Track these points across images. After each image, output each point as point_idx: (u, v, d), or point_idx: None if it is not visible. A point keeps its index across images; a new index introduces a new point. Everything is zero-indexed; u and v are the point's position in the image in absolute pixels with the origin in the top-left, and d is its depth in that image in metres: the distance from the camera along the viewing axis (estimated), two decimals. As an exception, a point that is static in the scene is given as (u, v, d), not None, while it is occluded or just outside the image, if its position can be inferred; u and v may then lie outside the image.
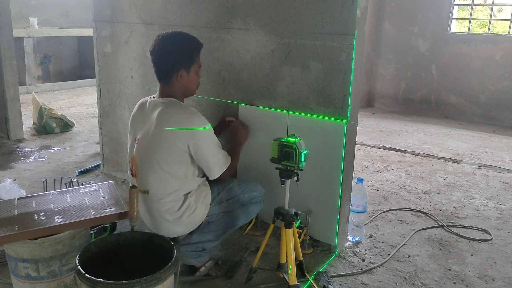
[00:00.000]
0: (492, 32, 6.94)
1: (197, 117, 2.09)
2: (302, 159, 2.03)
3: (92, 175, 3.75)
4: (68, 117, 5.11)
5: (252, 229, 2.78)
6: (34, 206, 2.10)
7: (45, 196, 2.22)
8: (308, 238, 2.62)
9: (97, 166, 3.89)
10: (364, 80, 6.72)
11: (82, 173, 3.78)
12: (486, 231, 2.96)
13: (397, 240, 2.82)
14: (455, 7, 6.41)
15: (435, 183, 3.82)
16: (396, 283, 2.36)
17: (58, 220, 1.94)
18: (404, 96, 6.86)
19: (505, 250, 2.74)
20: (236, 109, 2.78)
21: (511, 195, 3.61)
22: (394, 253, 2.64)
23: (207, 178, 2.22)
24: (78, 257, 1.67)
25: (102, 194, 2.23)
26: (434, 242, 2.81)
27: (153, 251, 1.86)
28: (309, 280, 2.30)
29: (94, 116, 5.74)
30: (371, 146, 4.86)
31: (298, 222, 2.19)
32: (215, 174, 2.16)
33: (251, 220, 2.71)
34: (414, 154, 4.64)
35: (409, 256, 2.63)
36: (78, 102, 6.84)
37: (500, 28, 8.36)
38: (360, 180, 2.73)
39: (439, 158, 4.53)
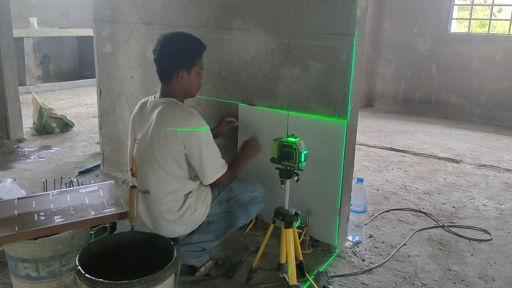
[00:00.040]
0: (492, 32, 6.94)
1: (194, 118, 2.07)
2: (302, 159, 2.03)
3: (92, 175, 3.75)
4: (68, 117, 5.11)
5: (252, 229, 2.78)
6: (34, 206, 2.10)
7: (45, 196, 2.22)
8: (308, 238, 2.62)
9: (97, 166, 3.89)
10: (364, 80, 6.72)
11: (82, 173, 3.78)
12: (486, 231, 2.96)
13: (397, 240, 2.82)
14: (455, 7, 6.41)
15: (435, 183, 3.82)
16: (396, 283, 2.36)
17: (58, 220, 1.94)
18: (404, 96, 6.86)
19: (505, 250, 2.74)
20: (236, 109, 2.78)
21: (511, 195, 3.61)
22: (394, 253, 2.64)
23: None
24: (78, 257, 1.67)
25: (102, 194, 2.23)
26: (434, 242, 2.81)
27: (153, 251, 1.86)
28: (309, 280, 2.30)
29: (94, 116, 5.74)
30: (371, 146, 4.86)
31: (298, 222, 2.19)
32: (207, 178, 2.11)
33: (251, 220, 2.71)
34: (414, 154, 4.64)
35: (409, 256, 2.63)
36: (78, 102, 6.84)
37: (500, 28, 8.36)
38: (360, 180, 2.73)
39: (439, 158, 4.53)
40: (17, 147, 4.47)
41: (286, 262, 2.18)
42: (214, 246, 2.33)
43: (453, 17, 6.39)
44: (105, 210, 2.06)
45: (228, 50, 2.75)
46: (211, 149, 2.11)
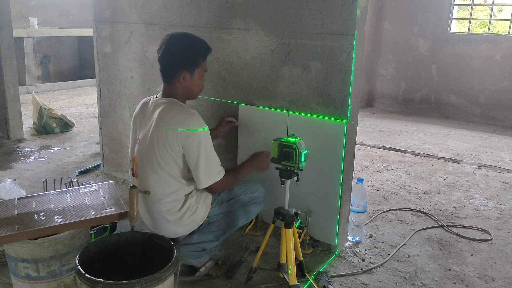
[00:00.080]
0: (492, 32, 6.94)
1: (194, 119, 2.06)
2: (302, 159, 2.03)
3: (92, 175, 3.75)
4: (68, 117, 5.11)
5: (252, 229, 2.78)
6: (34, 206, 2.10)
7: (45, 196, 2.22)
8: (308, 238, 2.62)
9: (97, 166, 3.89)
10: (364, 80, 6.72)
11: (82, 173, 3.78)
12: (486, 231, 2.96)
13: (397, 240, 2.82)
14: (455, 7, 6.41)
15: (435, 183, 3.82)
16: (396, 283, 2.36)
17: (58, 220, 1.94)
18: (404, 96, 6.86)
19: (505, 250, 2.74)
20: (236, 109, 2.78)
21: (511, 195, 3.61)
22: (394, 253, 2.64)
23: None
24: (78, 257, 1.67)
25: (102, 194, 2.23)
26: (434, 242, 2.81)
27: (153, 251, 1.86)
28: (309, 280, 2.30)
29: (94, 116, 5.74)
30: (371, 146, 4.86)
31: (298, 222, 2.19)
32: (201, 182, 2.07)
33: (251, 220, 2.71)
34: (414, 154, 4.64)
35: (409, 256, 2.63)
36: (78, 102, 6.84)
37: (500, 28, 8.36)
38: (360, 180, 2.73)
39: (439, 158, 4.53)
40: (17, 147, 4.47)
41: (286, 262, 2.18)
42: (214, 246, 2.33)
43: (453, 17, 6.39)
44: (105, 210, 2.06)
45: (228, 50, 2.75)
46: (209, 153, 2.07)
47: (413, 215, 3.19)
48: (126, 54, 3.34)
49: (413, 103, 6.78)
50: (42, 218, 1.97)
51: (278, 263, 2.24)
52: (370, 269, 2.46)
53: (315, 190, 2.55)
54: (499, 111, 6.16)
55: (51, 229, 1.89)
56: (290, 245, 2.12)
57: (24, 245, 1.87)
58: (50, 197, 2.20)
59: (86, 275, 1.57)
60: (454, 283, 2.38)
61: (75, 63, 8.72)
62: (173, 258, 1.70)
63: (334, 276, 2.37)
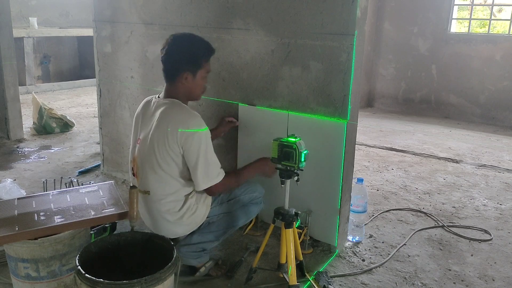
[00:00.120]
0: (492, 32, 6.94)
1: (195, 120, 2.05)
2: (302, 159, 2.03)
3: (92, 175, 3.75)
4: (68, 117, 5.11)
5: (252, 229, 2.78)
6: (34, 206, 2.10)
7: (45, 196, 2.22)
8: (308, 238, 2.61)
9: (97, 166, 3.89)
10: (364, 80, 6.72)
11: (82, 173, 3.78)
12: (486, 231, 2.96)
13: (397, 240, 2.82)
14: (455, 7, 6.41)
15: (435, 183, 3.82)
16: (396, 283, 2.36)
17: (58, 220, 1.94)
18: (404, 96, 6.86)
19: (505, 250, 2.74)
20: (236, 109, 2.78)
21: (511, 195, 3.61)
22: (394, 253, 2.64)
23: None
24: (78, 257, 1.67)
25: (102, 194, 2.23)
26: (434, 242, 2.81)
27: (153, 251, 1.86)
28: (309, 280, 2.30)
29: (94, 116, 5.74)
30: (371, 146, 4.86)
31: (298, 222, 2.19)
32: (200, 184, 2.06)
33: (251, 220, 2.71)
34: (414, 154, 4.64)
35: (409, 256, 2.63)
36: (78, 102, 6.84)
37: (500, 28, 8.36)
38: (360, 180, 2.73)
39: (439, 158, 4.53)
40: (17, 147, 4.47)
41: (286, 262, 2.18)
42: (214, 246, 2.33)
43: (453, 17, 6.39)
44: (105, 210, 2.06)
45: (228, 50, 2.75)
46: (208, 155, 2.06)
47: (413, 215, 3.19)
48: (126, 54, 3.34)
49: (413, 103, 6.78)
50: (42, 218, 1.97)
51: (278, 263, 2.24)
52: (370, 269, 2.46)
53: (315, 190, 2.55)
54: (499, 111, 6.16)
55: (51, 229, 1.89)
56: (290, 245, 2.12)
57: (24, 245, 1.87)
58: (50, 197, 2.20)
59: (86, 275, 1.57)
60: (454, 283, 2.38)
61: (75, 63, 8.72)
62: (173, 258, 1.70)
63: (334, 276, 2.37)
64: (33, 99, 5.03)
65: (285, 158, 2.06)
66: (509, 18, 6.23)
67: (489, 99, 6.20)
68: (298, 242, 2.28)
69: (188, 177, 2.11)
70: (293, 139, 2.06)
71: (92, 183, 2.94)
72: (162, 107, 2.10)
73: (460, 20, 7.59)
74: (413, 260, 2.59)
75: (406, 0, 6.57)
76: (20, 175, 3.70)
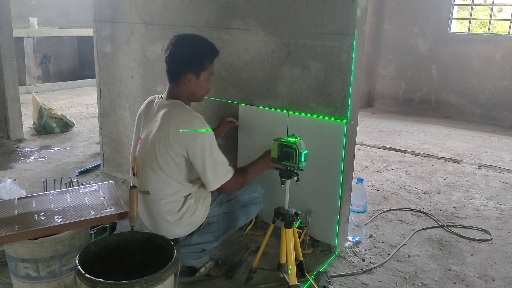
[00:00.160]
0: (492, 32, 6.94)
1: (198, 121, 2.04)
2: (302, 159, 2.03)
3: (92, 175, 3.75)
4: (68, 117, 5.11)
5: (252, 229, 2.78)
6: (34, 206, 2.10)
7: (45, 196, 2.22)
8: (308, 238, 2.61)
9: (97, 166, 3.89)
10: (364, 80, 6.72)
11: (82, 173, 3.78)
12: (486, 231, 2.96)
13: (397, 240, 2.82)
14: (455, 7, 6.41)
15: (435, 183, 3.82)
16: (396, 283, 2.36)
17: (58, 220, 1.94)
18: (404, 96, 6.86)
19: (505, 250, 2.74)
20: (236, 109, 2.78)
21: (511, 195, 3.61)
22: (394, 253, 2.64)
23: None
24: (78, 257, 1.67)
25: (102, 194, 2.23)
26: (434, 242, 2.81)
27: (153, 251, 1.86)
28: (309, 280, 2.30)
29: (94, 116, 5.74)
30: (371, 146, 4.86)
31: (298, 222, 2.19)
32: (211, 185, 2.06)
33: (251, 220, 2.71)
34: (414, 154, 4.64)
35: (409, 256, 2.63)
36: (78, 102, 6.84)
37: (500, 28, 8.36)
38: (360, 180, 2.73)
39: (439, 158, 4.53)
40: (17, 147, 4.47)
41: (286, 262, 2.18)
42: (214, 246, 2.33)
43: (453, 17, 6.39)
44: (105, 210, 2.06)
45: (228, 50, 2.75)
46: (215, 154, 2.05)
47: (413, 215, 3.19)
48: (126, 54, 3.34)
49: (413, 103, 6.78)
50: (42, 218, 1.97)
51: (278, 263, 2.24)
52: (370, 269, 2.46)
53: (315, 190, 2.55)
54: (499, 111, 6.16)
55: (51, 229, 1.89)
56: (290, 245, 2.12)
57: (24, 245, 1.87)
58: (50, 197, 2.20)
59: (86, 275, 1.57)
60: (454, 283, 2.38)
61: (75, 63, 8.72)
62: (173, 258, 1.70)
63: (334, 276, 2.37)
64: (33, 99, 5.03)
65: (285, 158, 2.06)
66: (509, 18, 6.23)
67: (489, 99, 6.20)
68: (298, 242, 2.28)
69: (188, 178, 2.11)
70: (293, 139, 2.06)
71: (92, 183, 2.94)
72: (165, 108, 2.09)
73: (460, 20, 7.59)
74: (413, 260, 2.59)
75: (406, 0, 6.57)
76: (20, 175, 3.70)
